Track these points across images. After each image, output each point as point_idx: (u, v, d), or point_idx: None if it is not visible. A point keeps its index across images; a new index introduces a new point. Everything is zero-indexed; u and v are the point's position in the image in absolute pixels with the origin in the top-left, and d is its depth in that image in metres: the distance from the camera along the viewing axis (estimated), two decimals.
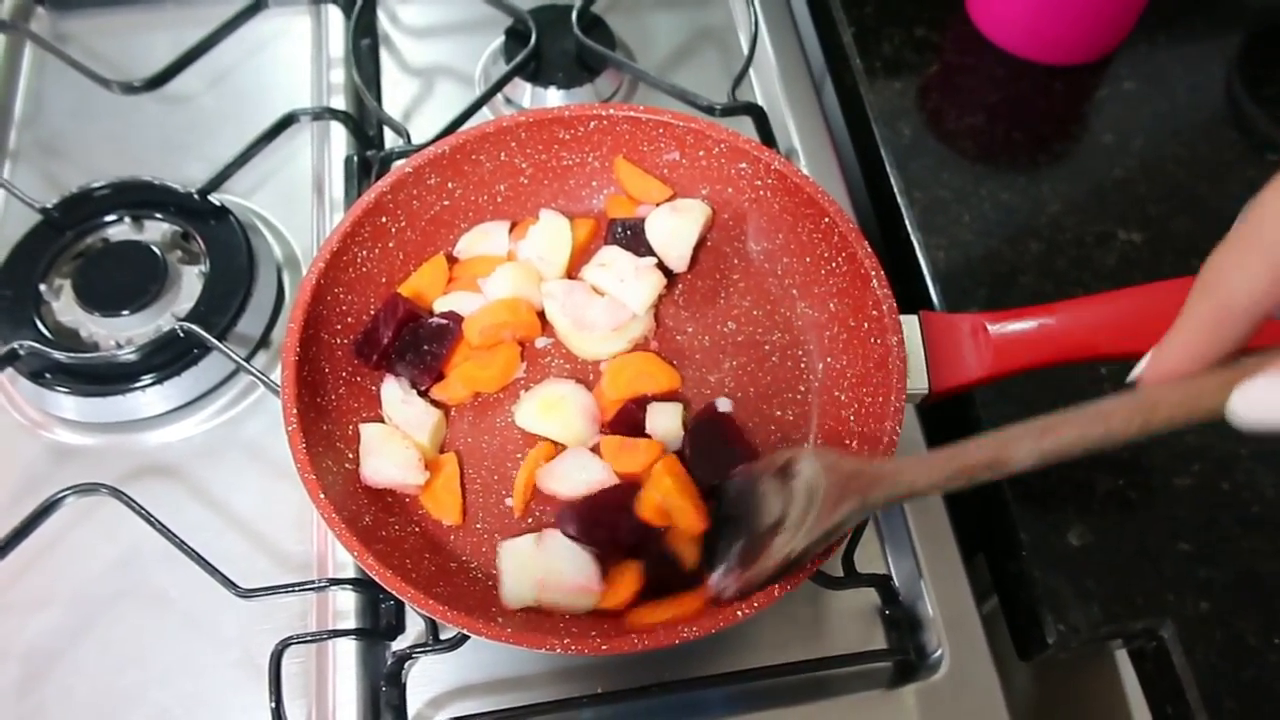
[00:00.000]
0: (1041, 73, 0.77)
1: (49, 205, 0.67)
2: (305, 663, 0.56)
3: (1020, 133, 0.74)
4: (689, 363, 0.61)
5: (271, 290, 0.68)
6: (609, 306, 0.60)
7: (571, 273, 0.63)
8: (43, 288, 0.65)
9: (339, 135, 0.74)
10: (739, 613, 0.47)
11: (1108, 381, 0.63)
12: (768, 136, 0.72)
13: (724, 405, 0.59)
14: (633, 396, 0.59)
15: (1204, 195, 0.70)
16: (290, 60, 0.80)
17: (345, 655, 0.56)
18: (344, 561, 0.58)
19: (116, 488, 0.56)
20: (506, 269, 0.61)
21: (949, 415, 0.64)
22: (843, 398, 0.58)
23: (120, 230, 0.69)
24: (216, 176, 0.68)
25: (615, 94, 0.78)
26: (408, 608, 0.58)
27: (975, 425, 0.62)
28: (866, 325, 0.56)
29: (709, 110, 0.70)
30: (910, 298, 0.68)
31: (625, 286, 0.60)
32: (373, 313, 0.60)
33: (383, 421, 0.58)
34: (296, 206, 0.73)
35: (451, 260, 0.63)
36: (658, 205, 0.63)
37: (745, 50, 0.74)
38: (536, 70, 0.76)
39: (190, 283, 0.67)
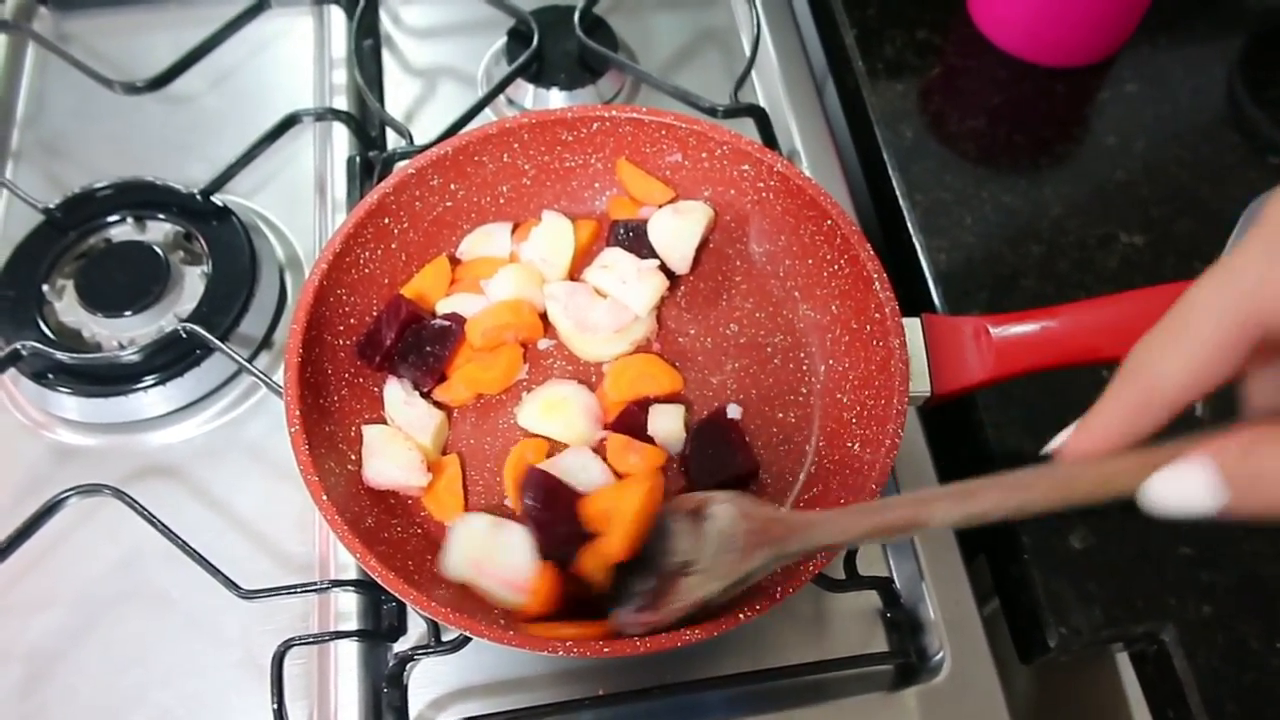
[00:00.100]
0: (1043, 75, 0.77)
1: (51, 205, 0.67)
2: (307, 664, 0.56)
3: (1022, 135, 0.74)
4: (691, 365, 0.61)
5: (274, 291, 0.68)
6: (611, 308, 0.60)
7: (574, 274, 0.63)
8: (45, 288, 0.65)
9: (341, 136, 0.74)
10: (741, 615, 0.47)
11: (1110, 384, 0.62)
12: (770, 138, 0.72)
13: (734, 411, 0.59)
14: (635, 398, 0.59)
15: (1206, 198, 0.70)
16: (293, 61, 0.80)
17: (347, 657, 0.56)
18: (346, 563, 0.58)
19: (119, 488, 0.56)
20: (509, 270, 0.61)
21: (951, 418, 0.64)
22: (845, 400, 0.58)
23: (122, 231, 0.69)
24: (219, 177, 0.68)
25: (617, 95, 0.78)
26: (409, 609, 0.58)
27: (978, 428, 0.62)
28: (869, 328, 0.56)
29: (711, 112, 0.70)
30: (911, 300, 0.68)
31: (627, 288, 0.60)
32: (375, 314, 0.60)
33: (385, 423, 0.58)
34: (299, 207, 0.73)
35: (454, 262, 0.63)
36: (660, 207, 0.64)
37: (747, 52, 0.74)
38: (539, 71, 0.76)
39: (192, 283, 0.67)
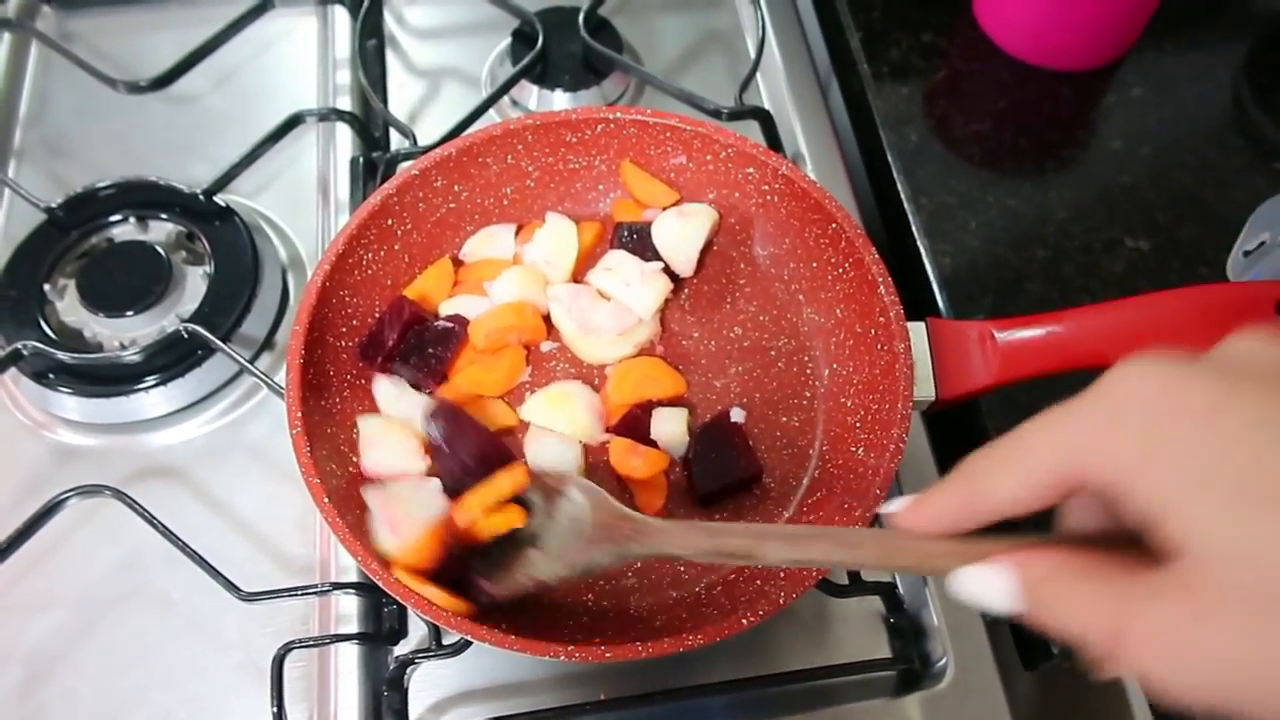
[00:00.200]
0: (1049, 79, 0.76)
1: (54, 205, 0.67)
2: (307, 667, 0.56)
3: (1027, 139, 0.74)
4: (694, 368, 0.61)
5: (276, 292, 0.68)
6: (615, 311, 0.60)
7: (577, 276, 0.63)
8: (47, 288, 0.65)
9: (345, 136, 0.73)
10: (744, 621, 0.47)
11: None
12: (774, 141, 0.72)
13: (737, 415, 0.59)
14: (638, 401, 0.58)
15: (1211, 202, 0.70)
16: (296, 61, 0.80)
17: (347, 660, 0.55)
18: (347, 565, 0.58)
19: (119, 489, 0.55)
20: (512, 273, 0.61)
21: (955, 422, 0.64)
22: (849, 404, 0.57)
23: (125, 230, 0.69)
24: (222, 177, 0.68)
25: (622, 97, 0.78)
26: (410, 613, 0.58)
27: (982, 433, 0.61)
28: (873, 331, 0.56)
29: (716, 114, 0.70)
30: (916, 304, 0.68)
31: (631, 291, 0.60)
32: (378, 315, 0.60)
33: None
34: (302, 208, 0.72)
35: (457, 263, 0.63)
36: (664, 209, 0.63)
37: (752, 54, 0.74)
38: (543, 72, 0.76)
39: (194, 284, 0.67)
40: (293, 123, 0.70)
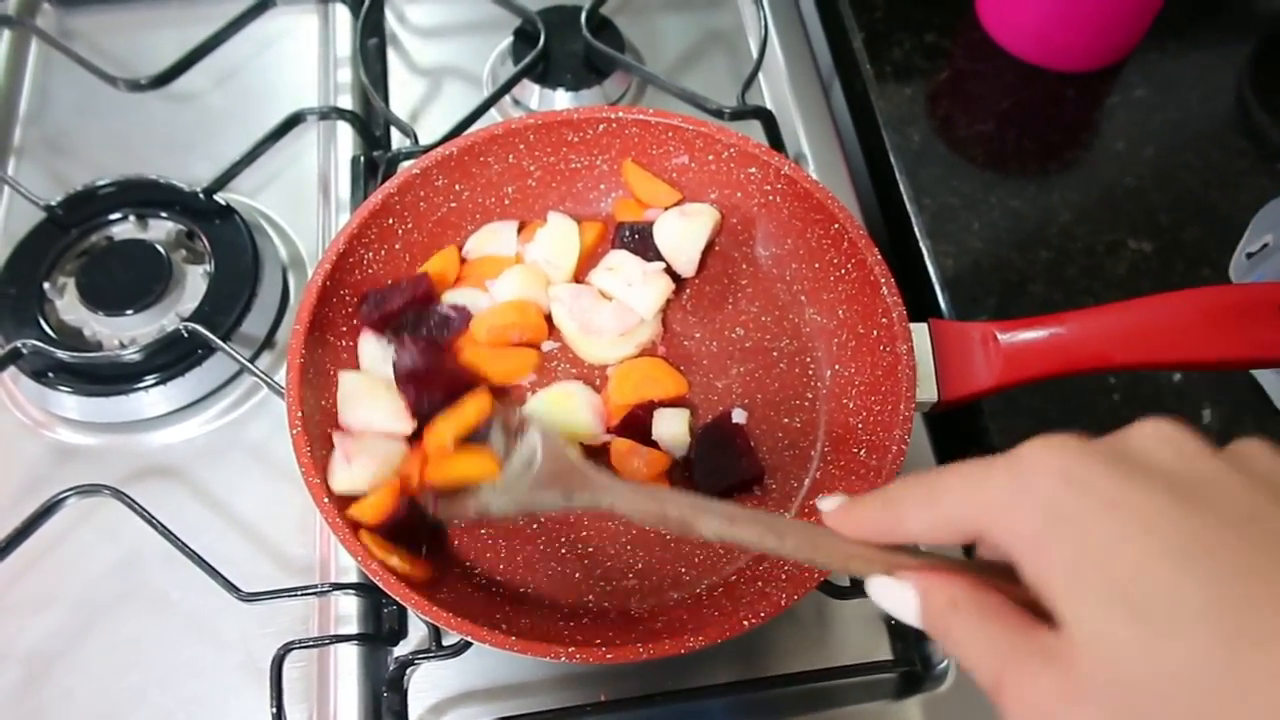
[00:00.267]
0: (1052, 79, 0.76)
1: (53, 203, 0.67)
2: (307, 667, 0.56)
3: (1030, 140, 0.73)
4: (696, 368, 0.61)
5: (276, 291, 0.68)
6: (616, 311, 0.60)
7: (579, 276, 0.63)
8: (46, 286, 0.65)
9: (346, 135, 0.73)
10: (745, 622, 0.46)
11: (1116, 392, 0.62)
12: (777, 141, 0.72)
13: (739, 416, 0.58)
14: (639, 402, 0.58)
15: (1215, 204, 0.70)
16: (297, 59, 0.80)
17: (347, 660, 0.55)
18: (346, 566, 0.58)
19: (118, 489, 0.55)
20: (514, 272, 0.61)
21: (957, 424, 0.64)
22: (851, 405, 0.57)
23: (125, 229, 0.68)
24: (222, 176, 0.68)
25: (623, 96, 0.78)
26: (410, 613, 0.57)
27: (984, 435, 0.61)
28: (876, 333, 0.56)
29: (718, 114, 0.70)
30: (918, 305, 0.67)
31: (633, 291, 0.60)
32: (391, 282, 0.59)
33: None
34: (302, 207, 0.72)
35: (460, 260, 0.63)
36: (666, 209, 0.63)
37: (754, 54, 0.74)
38: (545, 72, 0.76)
39: (195, 282, 0.66)
40: (293, 121, 0.70)
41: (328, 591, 0.56)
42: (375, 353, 0.58)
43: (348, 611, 0.56)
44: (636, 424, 0.57)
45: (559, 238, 0.62)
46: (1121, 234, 0.69)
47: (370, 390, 0.55)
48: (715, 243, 0.64)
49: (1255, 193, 0.70)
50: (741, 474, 0.56)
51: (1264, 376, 0.62)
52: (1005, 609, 0.30)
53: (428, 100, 0.78)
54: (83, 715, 0.55)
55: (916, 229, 0.69)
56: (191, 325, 0.61)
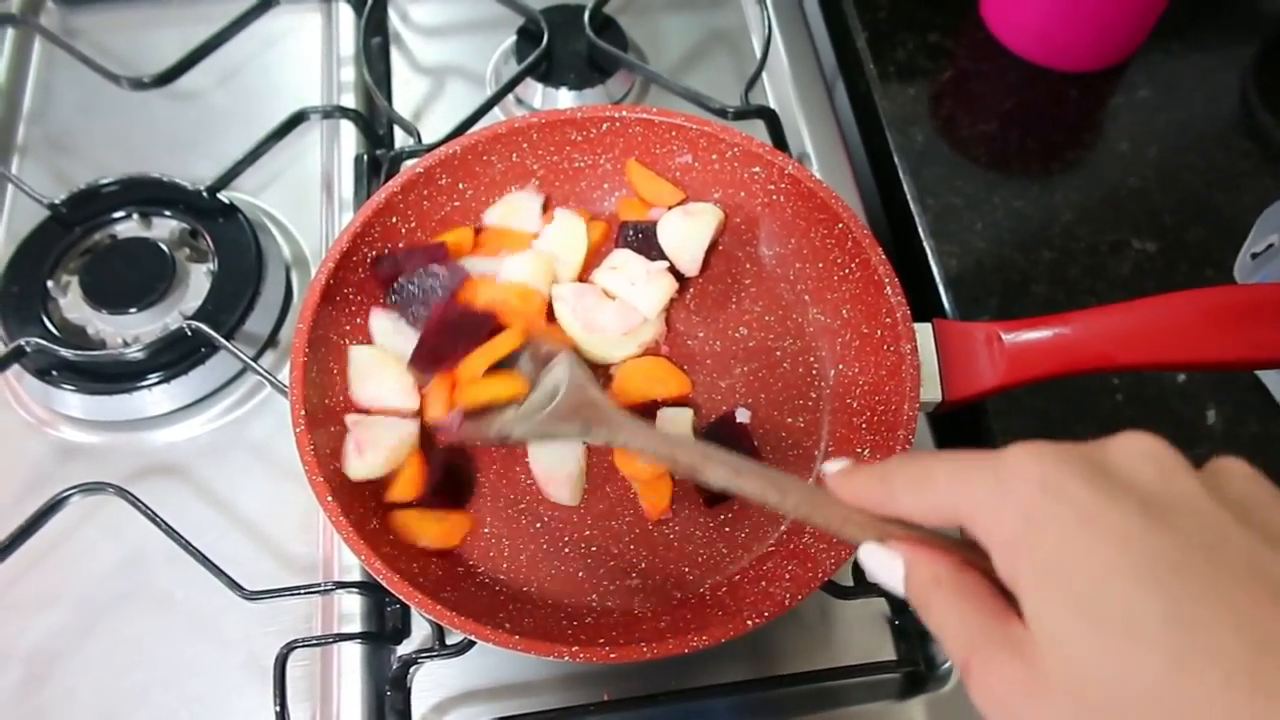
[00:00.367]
0: (1056, 79, 0.76)
1: (57, 201, 0.67)
2: (310, 666, 0.56)
3: (1034, 140, 0.73)
4: (699, 368, 0.61)
5: (280, 289, 0.68)
6: (620, 310, 0.60)
7: (583, 275, 0.63)
8: (50, 284, 0.65)
9: (349, 134, 0.73)
10: (748, 622, 0.46)
11: (1120, 392, 0.62)
12: (780, 140, 0.72)
13: (743, 416, 0.58)
14: (642, 401, 0.58)
15: (1219, 204, 0.70)
16: (300, 58, 0.80)
17: (350, 659, 0.55)
18: (350, 564, 0.58)
19: (122, 487, 0.55)
20: (526, 257, 0.60)
21: (961, 424, 0.64)
22: (855, 405, 0.57)
23: (128, 227, 0.68)
24: (225, 174, 0.68)
25: (627, 96, 0.78)
26: (414, 612, 0.57)
27: (988, 434, 0.61)
28: (879, 332, 0.56)
29: (721, 113, 0.70)
30: (921, 305, 0.67)
31: (636, 290, 0.60)
32: (404, 246, 0.60)
33: None
34: (306, 205, 0.72)
35: (477, 232, 0.63)
36: (669, 209, 0.63)
37: (758, 53, 0.74)
38: (548, 71, 0.76)
39: (198, 281, 0.66)
40: (297, 120, 0.70)
41: (331, 590, 0.56)
42: (387, 326, 0.58)
43: (351, 610, 0.56)
44: None
45: (567, 234, 0.62)
46: (1125, 234, 0.69)
47: (381, 365, 0.56)
48: (719, 242, 0.64)
49: (1259, 193, 0.69)
50: None
51: (1268, 377, 0.62)
52: (984, 593, 0.31)
53: (431, 99, 0.78)
54: (85, 714, 0.55)
55: (920, 229, 0.69)
56: (195, 324, 0.61)
